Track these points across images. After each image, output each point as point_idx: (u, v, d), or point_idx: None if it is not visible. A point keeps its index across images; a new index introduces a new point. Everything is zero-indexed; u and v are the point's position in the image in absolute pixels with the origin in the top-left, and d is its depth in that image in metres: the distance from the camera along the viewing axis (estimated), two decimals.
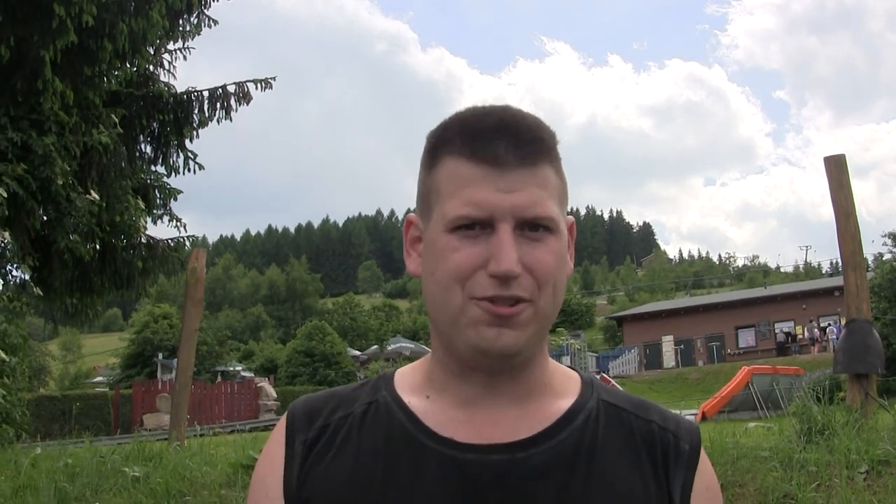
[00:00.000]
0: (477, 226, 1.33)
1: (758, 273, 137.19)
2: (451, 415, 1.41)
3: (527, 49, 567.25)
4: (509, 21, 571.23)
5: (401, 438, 1.40)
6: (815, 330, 55.51)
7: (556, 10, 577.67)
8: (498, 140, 1.34)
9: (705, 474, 1.49)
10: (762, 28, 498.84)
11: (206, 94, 14.88)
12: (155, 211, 15.48)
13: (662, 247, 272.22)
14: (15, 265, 12.74)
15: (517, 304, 1.32)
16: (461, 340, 1.35)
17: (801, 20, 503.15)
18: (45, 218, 12.55)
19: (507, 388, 1.41)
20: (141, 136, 15.06)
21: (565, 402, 1.46)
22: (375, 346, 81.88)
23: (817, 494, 5.43)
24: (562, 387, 1.49)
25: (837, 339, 9.82)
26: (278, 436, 1.49)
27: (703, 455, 1.50)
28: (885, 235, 38.38)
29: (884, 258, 38.41)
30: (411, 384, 1.49)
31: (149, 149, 15.32)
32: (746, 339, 63.64)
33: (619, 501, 1.38)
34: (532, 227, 1.34)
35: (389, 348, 72.52)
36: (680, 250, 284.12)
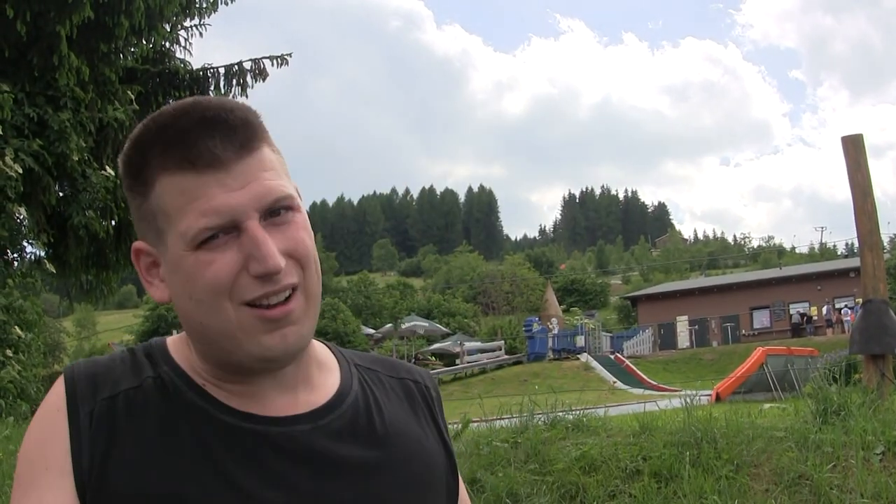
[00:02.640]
0: (220, 234, 1.26)
1: (772, 254, 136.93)
2: (244, 395, 1.36)
3: (541, 27, 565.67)
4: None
5: (199, 417, 1.33)
6: (832, 311, 55.39)
7: None
8: (210, 139, 1.27)
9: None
10: (778, 7, 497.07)
11: (221, 70, 14.90)
12: None
13: (677, 227, 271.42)
14: (30, 241, 12.77)
15: (290, 300, 1.30)
16: (243, 353, 1.30)
17: None
18: (60, 194, 12.59)
19: (286, 381, 1.39)
20: None
21: (334, 372, 1.49)
22: (389, 325, 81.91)
23: (833, 475, 5.42)
24: (324, 360, 1.51)
25: (851, 320, 9.77)
26: (57, 402, 1.32)
27: None
28: None
29: None
30: (188, 362, 1.39)
31: None
32: (761, 319, 63.54)
33: (415, 445, 1.46)
34: (274, 212, 1.30)
35: (404, 326, 72.47)
36: (695, 230, 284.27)
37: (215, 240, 1.26)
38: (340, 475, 1.34)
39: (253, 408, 1.35)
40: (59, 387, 1.34)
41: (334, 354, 1.54)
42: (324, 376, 1.46)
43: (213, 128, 1.27)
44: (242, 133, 1.29)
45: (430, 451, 1.48)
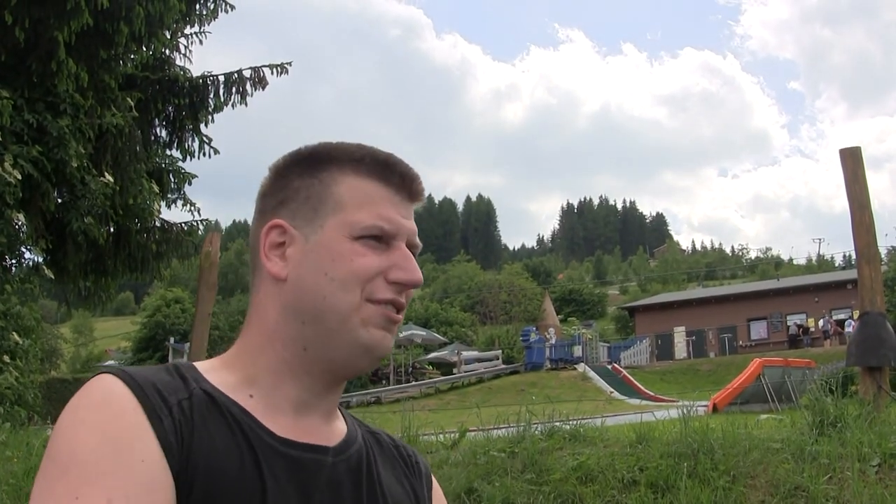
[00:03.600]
0: (381, 239, 1.47)
1: (770, 265, 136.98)
2: (279, 418, 1.43)
3: (540, 36, 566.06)
4: (522, 7, 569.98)
5: (246, 432, 1.36)
6: (829, 323, 55.39)
7: None
8: (400, 173, 1.52)
9: (438, 489, 1.73)
10: (776, 18, 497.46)
11: (221, 78, 14.90)
12: (169, 195, 15.50)
13: (675, 237, 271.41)
14: (28, 247, 12.77)
15: (399, 312, 1.50)
16: (350, 337, 1.44)
17: (815, 10, 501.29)
18: (59, 200, 12.59)
19: (328, 402, 1.52)
20: (156, 120, 15.10)
21: (341, 420, 1.59)
22: None
23: (829, 487, 5.42)
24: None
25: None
26: (124, 399, 1.27)
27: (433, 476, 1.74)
28: None
29: None
30: (225, 383, 1.42)
31: (164, 133, 15.38)
32: (758, 331, 63.63)
33: (401, 494, 1.57)
34: (412, 250, 1.53)
35: (401, 335, 72.28)
36: (693, 241, 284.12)
37: (373, 241, 1.46)
38: None
39: (288, 431, 1.42)
40: (116, 388, 1.29)
41: (338, 408, 1.61)
42: (334, 414, 1.57)
43: (402, 167, 1.53)
44: (418, 185, 1.55)
45: None
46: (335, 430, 1.52)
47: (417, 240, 1.54)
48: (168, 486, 1.23)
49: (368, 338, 1.44)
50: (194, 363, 1.47)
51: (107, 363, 79.03)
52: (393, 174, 1.50)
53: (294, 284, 1.46)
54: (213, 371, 1.45)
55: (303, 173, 1.52)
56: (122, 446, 1.22)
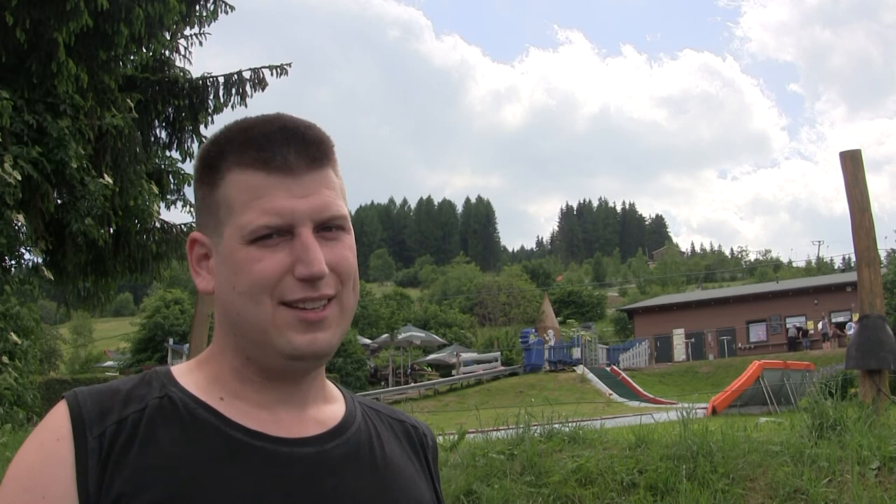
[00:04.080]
0: (275, 234, 1.37)
1: (769, 267, 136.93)
2: (254, 414, 1.42)
3: (540, 38, 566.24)
4: (522, 9, 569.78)
5: (209, 433, 1.37)
6: (829, 326, 55.36)
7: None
8: (286, 147, 1.39)
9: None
10: (776, 20, 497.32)
11: (221, 79, 14.87)
12: (169, 196, 15.49)
13: (674, 239, 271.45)
14: (28, 248, 12.77)
15: (325, 307, 1.39)
16: (272, 348, 1.39)
17: (815, 12, 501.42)
18: (59, 201, 12.57)
19: (300, 395, 1.47)
20: (156, 121, 15.08)
21: (340, 405, 1.56)
22: (386, 335, 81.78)
23: (828, 490, 5.43)
24: (332, 392, 1.59)
25: None
26: (58, 429, 1.33)
27: None
28: None
29: None
30: (196, 384, 1.45)
31: (164, 134, 15.35)
32: (757, 333, 63.61)
33: (411, 484, 1.52)
34: (327, 227, 1.41)
35: (400, 337, 72.32)
36: (692, 243, 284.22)
37: (269, 239, 1.36)
38: (338, 500, 1.40)
39: (262, 426, 1.40)
40: (60, 414, 1.35)
41: (340, 389, 1.62)
42: (330, 406, 1.54)
43: (290, 138, 1.40)
44: (315, 149, 1.42)
45: (423, 492, 1.55)
46: (324, 417, 1.49)
47: (333, 210, 1.40)
48: None
49: (290, 347, 1.38)
50: (172, 367, 1.50)
51: (107, 363, 79.20)
52: (274, 154, 1.38)
53: (218, 298, 1.44)
54: (189, 373, 1.48)
55: (200, 179, 1.47)
56: (33, 481, 1.29)
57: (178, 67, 15.21)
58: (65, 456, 1.30)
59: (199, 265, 1.48)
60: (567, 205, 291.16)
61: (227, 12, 14.73)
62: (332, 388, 1.59)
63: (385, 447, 1.53)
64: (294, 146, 1.39)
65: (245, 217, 1.37)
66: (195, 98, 14.80)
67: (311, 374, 1.47)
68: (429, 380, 58.42)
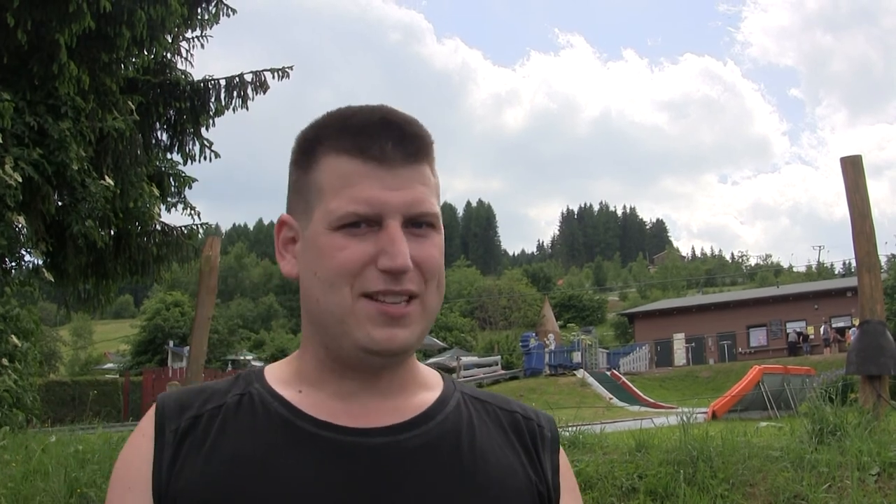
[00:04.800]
0: (363, 223, 1.35)
1: (770, 272, 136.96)
2: (328, 405, 1.43)
3: (541, 42, 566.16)
4: (523, 12, 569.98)
5: (278, 425, 1.40)
6: (830, 331, 55.36)
7: (569, 2, 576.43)
8: (384, 137, 1.37)
9: (563, 455, 1.59)
10: (777, 25, 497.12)
11: (222, 82, 14.87)
12: (169, 198, 15.49)
13: (675, 244, 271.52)
14: (29, 250, 12.77)
15: (409, 303, 1.36)
16: (349, 340, 1.37)
17: (815, 17, 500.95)
18: (59, 203, 12.57)
19: (382, 384, 1.45)
20: (157, 124, 15.07)
21: (433, 394, 1.51)
22: None
23: (828, 495, 5.42)
24: (426, 380, 1.55)
25: None
26: (146, 427, 1.44)
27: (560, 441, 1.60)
28: None
29: None
30: (280, 378, 1.49)
31: (165, 136, 15.33)
32: (758, 338, 63.65)
33: (504, 475, 1.45)
34: (417, 223, 1.38)
35: None
36: (693, 248, 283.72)
37: (356, 228, 1.35)
38: (404, 491, 1.37)
39: (333, 416, 1.41)
40: (150, 413, 1.46)
41: (443, 377, 1.59)
42: (420, 396, 1.50)
43: (389, 130, 1.39)
44: (413, 144, 1.40)
45: (518, 484, 1.46)
46: (406, 407, 1.46)
47: (425, 206, 1.38)
48: None
49: (368, 340, 1.35)
50: (267, 365, 1.56)
51: (107, 365, 79.15)
52: (371, 144, 1.37)
53: (303, 286, 1.43)
54: (277, 368, 1.53)
55: (296, 161, 1.47)
56: (123, 473, 1.42)
57: (180, 70, 15.22)
58: (146, 451, 1.40)
59: (286, 248, 1.49)
60: (568, 209, 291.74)
61: (228, 15, 14.73)
62: (430, 376, 1.57)
63: (477, 437, 1.47)
64: (392, 138, 1.38)
65: (334, 203, 1.36)
66: (196, 101, 14.79)
67: (393, 365, 1.45)
68: None
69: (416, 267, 1.36)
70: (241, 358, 72.85)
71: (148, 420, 1.44)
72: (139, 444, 1.42)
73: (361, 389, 1.43)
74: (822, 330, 56.49)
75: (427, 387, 1.53)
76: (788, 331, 61.14)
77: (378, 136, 1.37)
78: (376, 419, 1.42)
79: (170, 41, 14.29)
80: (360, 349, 1.37)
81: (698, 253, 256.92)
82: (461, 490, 1.39)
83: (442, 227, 1.43)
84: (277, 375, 1.50)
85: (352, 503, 1.33)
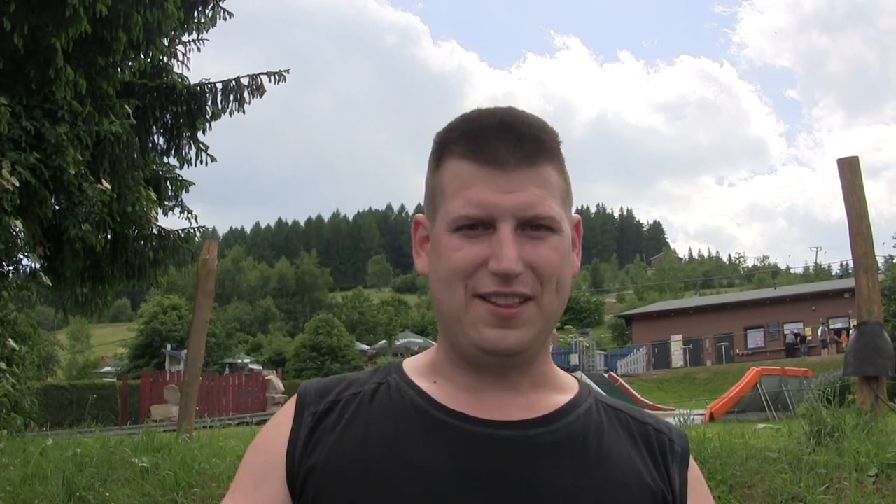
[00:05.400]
0: (479, 226, 1.37)
1: (767, 273, 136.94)
2: (461, 397, 1.46)
3: (536, 44, 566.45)
4: (519, 14, 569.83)
5: (412, 412, 1.45)
6: (827, 332, 55.34)
7: (565, 4, 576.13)
8: (499, 140, 1.38)
9: (695, 469, 1.58)
10: (773, 26, 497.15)
11: (219, 86, 14.88)
12: (166, 202, 15.47)
13: (672, 246, 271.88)
14: (26, 254, 12.76)
15: (522, 305, 1.37)
16: (465, 338, 1.40)
17: (812, 18, 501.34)
18: (56, 207, 12.57)
19: (512, 380, 1.47)
20: (154, 128, 15.07)
21: (566, 396, 1.53)
22: (384, 341, 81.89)
23: (826, 497, 5.42)
24: (561, 384, 1.56)
25: None
26: (287, 409, 1.53)
27: (691, 457, 1.60)
28: None
29: (894, 260, 38.19)
30: (418, 370, 1.54)
31: (161, 140, 15.33)
32: (755, 339, 63.55)
33: (629, 478, 1.45)
34: (534, 226, 1.38)
35: (398, 343, 72.56)
36: (690, 249, 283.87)
37: (472, 230, 1.38)
38: (532, 488, 1.38)
39: (465, 408, 1.45)
40: (292, 398, 1.56)
41: (579, 382, 1.60)
42: (552, 397, 1.52)
43: (505, 132, 1.39)
44: (530, 146, 1.40)
45: (642, 489, 1.46)
46: (538, 405, 1.48)
47: (539, 209, 1.37)
48: (276, 480, 1.46)
49: (480, 339, 1.38)
50: (409, 357, 1.63)
51: (104, 369, 79.02)
52: (485, 147, 1.39)
53: (429, 282, 1.48)
54: (416, 360, 1.59)
55: (429, 163, 1.51)
56: (260, 447, 1.52)
57: (177, 74, 15.22)
58: (285, 428, 1.49)
59: (420, 247, 1.54)
60: None
61: (225, 18, 14.74)
62: (565, 380, 1.58)
63: (605, 440, 1.48)
64: (507, 141, 1.39)
65: (452, 205, 1.39)
66: (193, 104, 14.80)
67: (518, 364, 1.46)
68: None
69: (531, 269, 1.37)
70: (239, 361, 72.69)
71: (289, 404, 1.54)
72: (280, 421, 1.52)
73: (491, 385, 1.46)
74: (819, 331, 56.49)
75: (561, 389, 1.54)
76: (786, 332, 61.04)
77: (493, 139, 1.39)
78: (507, 413, 1.44)
79: (166, 45, 14.30)
80: (474, 347, 1.40)
81: (695, 255, 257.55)
82: (586, 488, 1.40)
83: (565, 230, 1.43)
84: (414, 367, 1.56)
85: (477, 491, 1.36)
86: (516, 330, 1.38)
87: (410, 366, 1.56)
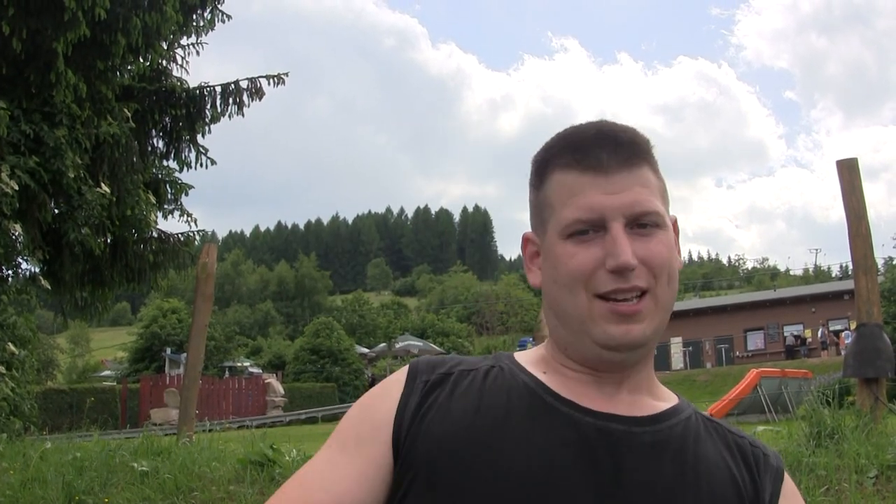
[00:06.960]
0: (590, 230, 1.47)
1: (767, 275, 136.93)
2: (570, 387, 1.53)
3: (535, 46, 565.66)
4: (516, 16, 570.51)
5: (524, 393, 1.52)
6: (827, 334, 55.30)
7: (563, 6, 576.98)
8: (599, 148, 1.49)
9: (790, 483, 1.62)
10: (771, 28, 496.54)
11: (218, 89, 14.87)
12: (166, 206, 15.47)
13: None
14: (25, 258, 12.76)
15: (640, 301, 1.46)
16: (589, 337, 1.48)
17: (810, 20, 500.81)
18: (56, 211, 12.57)
19: (620, 380, 1.54)
20: (153, 131, 15.06)
21: (668, 404, 1.60)
22: (383, 344, 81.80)
23: (826, 498, 5.42)
24: (663, 394, 1.64)
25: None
26: (398, 376, 1.59)
27: (786, 474, 1.63)
28: (895, 238, 38.23)
29: (894, 262, 38.23)
30: (527, 361, 1.61)
31: (161, 143, 15.33)
32: (755, 341, 63.52)
33: (723, 484, 1.50)
34: (640, 223, 1.47)
35: (397, 346, 72.43)
36: (689, 252, 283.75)
37: (585, 235, 1.47)
38: (634, 482, 1.44)
39: (577, 397, 1.52)
40: (403, 368, 1.62)
41: (678, 396, 1.66)
42: (655, 401, 1.59)
43: (603, 140, 1.50)
44: (628, 150, 1.51)
45: (735, 497, 1.51)
46: (644, 406, 1.55)
47: (645, 206, 1.48)
48: (380, 442, 1.49)
49: (606, 336, 1.46)
50: (517, 352, 1.70)
51: (104, 372, 78.95)
52: (588, 155, 1.49)
53: (545, 292, 1.56)
54: (525, 353, 1.66)
55: (532, 182, 1.60)
56: (367, 406, 1.57)
57: (176, 77, 15.22)
58: (395, 393, 1.55)
59: (532, 262, 1.62)
60: None
61: (223, 21, 14.74)
62: (666, 392, 1.65)
63: (702, 446, 1.54)
64: (607, 147, 1.49)
65: (563, 213, 1.48)
66: (192, 108, 14.80)
67: (629, 368, 1.54)
68: None
69: (644, 264, 1.45)
70: (239, 364, 72.61)
71: (402, 371, 1.60)
72: (390, 386, 1.58)
73: (598, 381, 1.53)
74: (819, 333, 56.44)
75: (663, 398, 1.61)
76: (786, 334, 61.04)
77: (594, 148, 1.49)
78: (615, 408, 1.51)
79: (165, 48, 14.30)
80: (599, 346, 1.47)
81: (695, 257, 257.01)
82: (684, 489, 1.45)
83: (669, 226, 1.53)
84: (525, 358, 1.63)
85: (577, 478, 1.41)
86: (639, 324, 1.46)
87: (521, 356, 1.64)
